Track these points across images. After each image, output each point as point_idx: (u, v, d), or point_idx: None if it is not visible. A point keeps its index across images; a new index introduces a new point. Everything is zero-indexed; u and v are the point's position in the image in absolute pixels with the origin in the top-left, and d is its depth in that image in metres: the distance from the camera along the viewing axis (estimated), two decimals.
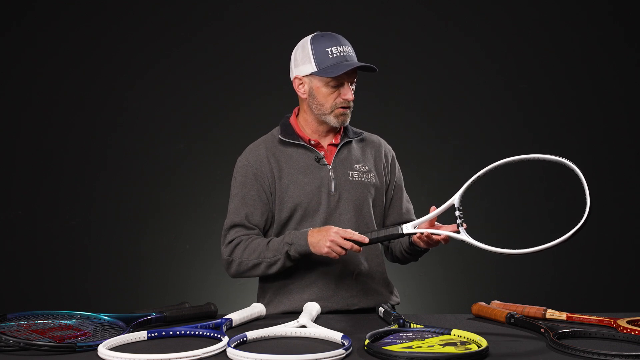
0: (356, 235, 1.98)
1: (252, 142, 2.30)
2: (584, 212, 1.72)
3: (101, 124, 4.00)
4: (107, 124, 4.00)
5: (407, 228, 1.97)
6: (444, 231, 1.93)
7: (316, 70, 2.14)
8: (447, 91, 4.08)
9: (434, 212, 1.93)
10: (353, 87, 2.19)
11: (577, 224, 1.72)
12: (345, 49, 2.16)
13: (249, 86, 4.01)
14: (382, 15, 4.08)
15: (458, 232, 1.88)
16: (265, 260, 2.12)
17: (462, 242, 1.87)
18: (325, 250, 2.01)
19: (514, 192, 4.05)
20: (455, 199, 1.88)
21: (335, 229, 2.01)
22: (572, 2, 4.08)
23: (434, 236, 1.96)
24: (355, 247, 1.99)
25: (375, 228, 2.26)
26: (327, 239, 2.00)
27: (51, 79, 3.97)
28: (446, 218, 1.98)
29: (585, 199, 1.74)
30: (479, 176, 1.86)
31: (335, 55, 2.13)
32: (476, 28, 4.09)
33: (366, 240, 1.98)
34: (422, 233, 1.96)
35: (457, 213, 1.88)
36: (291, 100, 2.31)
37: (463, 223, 1.87)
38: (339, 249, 1.99)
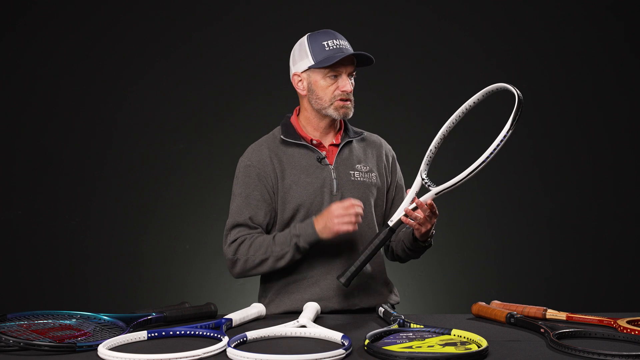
0: (355, 201, 2.05)
1: (253, 142, 2.30)
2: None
3: (101, 124, 3.99)
4: (107, 124, 4.00)
5: (392, 221, 2.03)
6: (417, 200, 2.00)
7: (313, 63, 2.15)
8: (447, 91, 4.08)
9: (409, 193, 2.03)
10: (352, 80, 2.20)
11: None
12: (342, 42, 2.18)
13: (249, 86, 4.01)
14: (382, 15, 4.08)
15: (429, 190, 1.99)
16: (272, 254, 2.12)
17: (440, 194, 1.97)
18: (337, 227, 2.03)
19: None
20: (420, 175, 2.03)
21: (334, 205, 2.05)
22: (572, 2, 4.08)
23: (415, 213, 2.01)
24: (360, 211, 2.05)
25: (376, 229, 2.27)
26: (332, 216, 2.03)
27: (51, 79, 3.97)
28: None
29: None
30: (432, 152, 2.04)
31: (331, 47, 2.15)
32: (476, 28, 4.09)
33: (362, 205, 2.06)
34: (405, 215, 2.01)
35: (423, 182, 2.02)
36: (291, 100, 2.31)
37: (430, 186, 2.00)
38: (350, 218, 2.03)
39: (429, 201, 2.00)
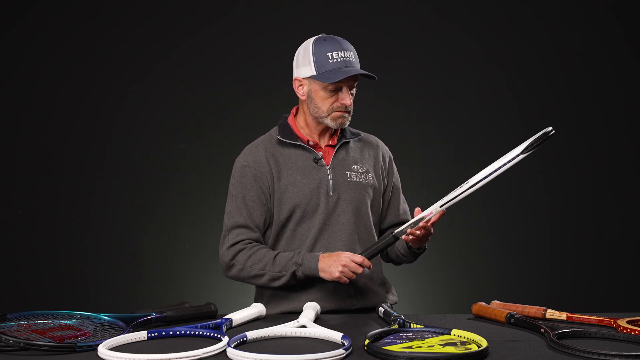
0: (366, 262, 2.04)
1: (251, 142, 2.30)
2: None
3: (101, 124, 3.99)
4: (107, 124, 4.00)
5: (399, 234, 2.05)
6: (426, 213, 2.00)
7: (315, 74, 2.14)
8: (447, 91, 4.08)
9: (419, 215, 2.02)
10: (353, 91, 2.19)
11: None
12: (347, 54, 2.14)
13: (249, 86, 4.01)
14: (382, 15, 4.08)
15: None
16: (268, 273, 2.12)
17: (448, 205, 1.98)
18: (337, 275, 2.03)
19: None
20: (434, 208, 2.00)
21: (347, 254, 2.05)
22: (572, 2, 4.07)
23: (428, 224, 2.01)
24: (364, 270, 2.06)
25: (373, 229, 2.29)
26: (339, 264, 2.03)
27: (51, 79, 3.96)
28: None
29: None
30: (453, 198, 1.97)
31: (335, 60, 2.12)
32: (476, 28, 4.09)
33: (371, 266, 2.07)
34: (413, 229, 2.02)
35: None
36: (291, 100, 2.31)
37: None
38: (350, 274, 2.03)
39: (432, 220, 2.01)
